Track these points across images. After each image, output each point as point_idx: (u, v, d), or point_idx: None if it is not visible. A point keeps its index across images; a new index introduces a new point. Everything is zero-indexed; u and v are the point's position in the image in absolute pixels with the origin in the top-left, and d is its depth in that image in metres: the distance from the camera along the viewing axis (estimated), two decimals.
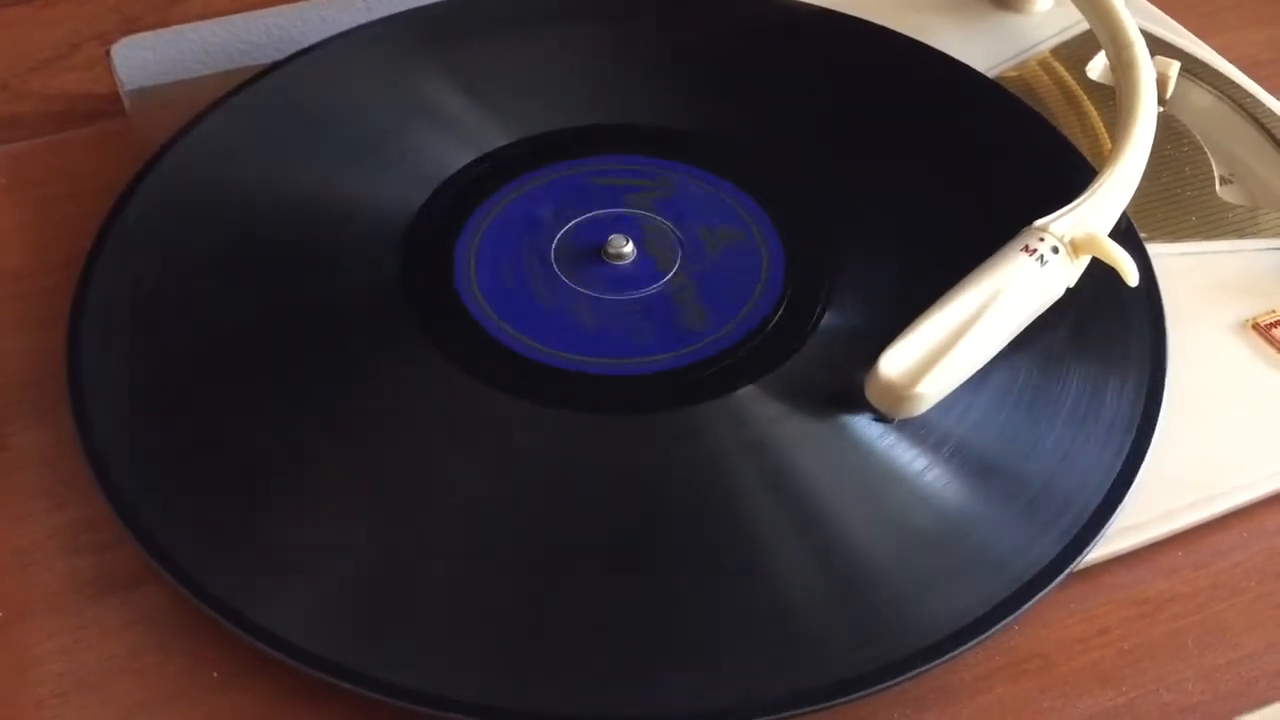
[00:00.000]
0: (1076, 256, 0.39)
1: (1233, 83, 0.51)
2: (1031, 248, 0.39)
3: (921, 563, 0.35)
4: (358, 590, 0.35)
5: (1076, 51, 0.53)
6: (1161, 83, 0.49)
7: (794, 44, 0.50)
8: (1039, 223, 0.39)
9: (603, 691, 0.33)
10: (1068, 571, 0.35)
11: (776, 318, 0.40)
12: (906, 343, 0.37)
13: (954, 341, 0.37)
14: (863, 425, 0.37)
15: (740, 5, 0.52)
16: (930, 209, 0.44)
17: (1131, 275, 0.39)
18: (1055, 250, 0.39)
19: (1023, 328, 0.38)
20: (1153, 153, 0.44)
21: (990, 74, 0.51)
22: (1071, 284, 0.39)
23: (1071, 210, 0.40)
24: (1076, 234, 0.39)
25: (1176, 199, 0.47)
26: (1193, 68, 0.52)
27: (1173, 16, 0.55)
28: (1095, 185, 0.41)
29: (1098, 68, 0.52)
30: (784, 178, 0.45)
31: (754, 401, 0.38)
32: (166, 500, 0.36)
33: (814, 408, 0.38)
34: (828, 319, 0.40)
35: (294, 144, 0.46)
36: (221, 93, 0.47)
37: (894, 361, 0.36)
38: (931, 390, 0.36)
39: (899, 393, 0.36)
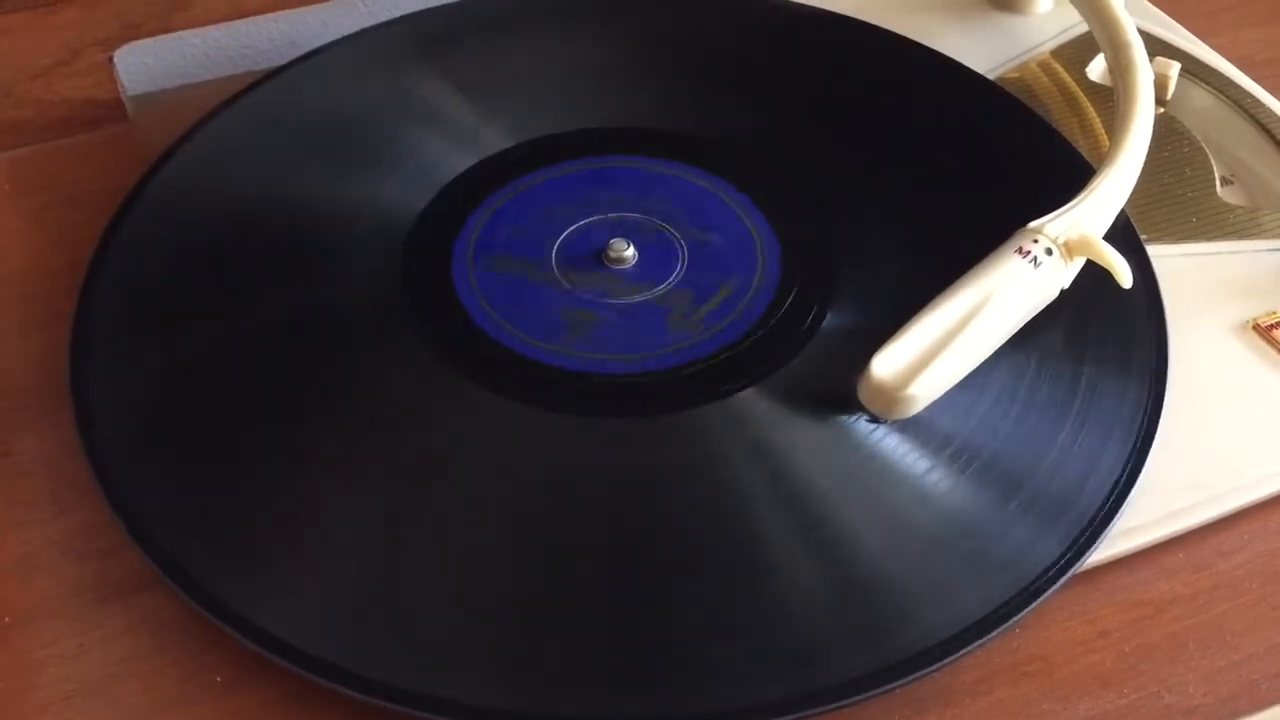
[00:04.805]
0: (1070, 258, 0.39)
1: (1233, 83, 0.51)
2: (1025, 249, 0.39)
3: (923, 565, 0.35)
4: (359, 594, 0.35)
5: (1077, 53, 0.53)
6: (1161, 84, 0.49)
7: (794, 45, 0.50)
8: (1033, 224, 0.39)
9: (603, 693, 0.33)
10: (1070, 574, 0.35)
11: (776, 320, 0.40)
12: (899, 345, 0.37)
13: (946, 343, 0.37)
14: (863, 427, 0.37)
15: (741, 7, 0.52)
16: (930, 210, 0.44)
17: (1125, 277, 0.39)
18: (1049, 252, 0.39)
19: (1016, 329, 0.38)
20: (1153, 153, 0.44)
21: (991, 75, 0.51)
22: (1066, 286, 0.39)
23: (1065, 212, 0.40)
24: (1070, 236, 0.39)
25: (1177, 200, 0.47)
26: (1193, 68, 0.52)
27: (1172, 17, 0.55)
28: (1090, 187, 0.41)
29: (1098, 69, 0.52)
30: (784, 179, 0.45)
31: (755, 403, 0.38)
32: (169, 505, 0.36)
33: (815, 409, 0.38)
34: (828, 320, 0.40)
35: (296, 148, 0.46)
36: (223, 98, 0.47)
37: (886, 363, 0.36)
38: (923, 392, 0.36)
39: (891, 394, 0.36)
